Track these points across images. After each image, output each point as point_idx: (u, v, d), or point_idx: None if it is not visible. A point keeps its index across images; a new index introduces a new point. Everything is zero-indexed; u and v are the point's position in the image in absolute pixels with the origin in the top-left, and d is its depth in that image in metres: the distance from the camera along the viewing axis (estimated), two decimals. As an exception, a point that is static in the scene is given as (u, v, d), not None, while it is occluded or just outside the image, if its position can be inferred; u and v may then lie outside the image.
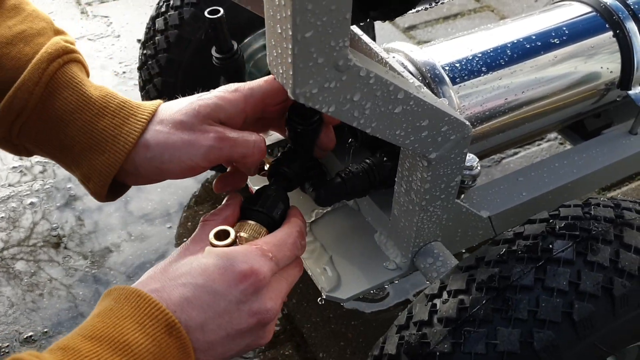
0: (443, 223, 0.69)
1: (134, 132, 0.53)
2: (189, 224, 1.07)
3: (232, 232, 0.51)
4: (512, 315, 0.46)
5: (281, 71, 0.46)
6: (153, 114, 0.55)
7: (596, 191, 1.14)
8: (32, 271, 0.99)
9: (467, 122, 0.59)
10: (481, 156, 0.88)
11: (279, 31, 0.44)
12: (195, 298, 0.45)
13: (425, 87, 0.61)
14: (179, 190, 1.13)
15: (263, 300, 0.48)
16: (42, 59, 0.53)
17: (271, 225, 0.57)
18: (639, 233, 0.50)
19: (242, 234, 0.54)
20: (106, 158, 0.54)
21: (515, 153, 1.22)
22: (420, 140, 0.58)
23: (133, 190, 1.03)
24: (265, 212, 0.57)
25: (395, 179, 0.68)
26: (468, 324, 0.47)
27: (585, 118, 0.90)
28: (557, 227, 0.50)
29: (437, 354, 0.47)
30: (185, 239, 0.60)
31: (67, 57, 0.55)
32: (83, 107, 0.54)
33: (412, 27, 1.56)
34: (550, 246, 0.48)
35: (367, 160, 0.73)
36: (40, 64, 0.53)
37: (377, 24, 1.56)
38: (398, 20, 1.58)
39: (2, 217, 1.08)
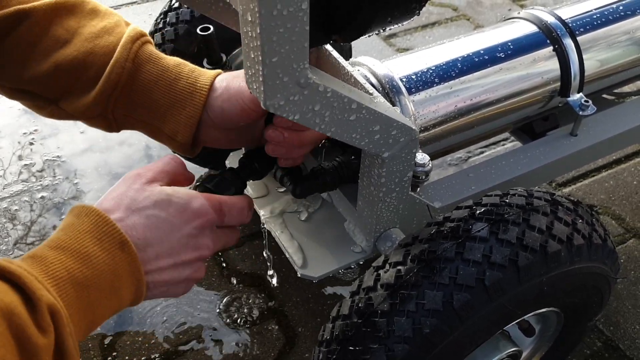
0: (400, 212, 0.81)
1: (205, 88, 0.69)
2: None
3: None
4: (436, 280, 0.58)
5: (255, 87, 0.58)
6: (217, 75, 0.71)
7: (552, 187, 1.26)
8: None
9: (414, 127, 0.71)
10: (439, 154, 1.00)
11: (252, 56, 0.56)
12: (153, 226, 0.56)
13: (380, 97, 0.72)
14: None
15: (206, 240, 0.60)
16: (127, 42, 0.68)
17: None
18: (543, 217, 0.62)
19: None
20: (188, 111, 0.69)
21: (482, 152, 1.34)
22: (374, 142, 0.69)
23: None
24: (215, 190, 0.69)
25: (360, 175, 0.80)
26: (403, 288, 0.59)
27: (533, 121, 1.02)
28: (477, 212, 0.62)
29: (379, 312, 0.59)
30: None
31: (143, 39, 0.70)
32: (163, 74, 0.69)
33: (392, 36, 1.68)
34: (470, 227, 0.60)
35: (337, 159, 0.84)
36: (127, 45, 0.67)
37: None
38: (379, 28, 1.70)
39: (16, 209, 1.20)
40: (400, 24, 0.66)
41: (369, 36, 0.71)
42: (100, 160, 1.33)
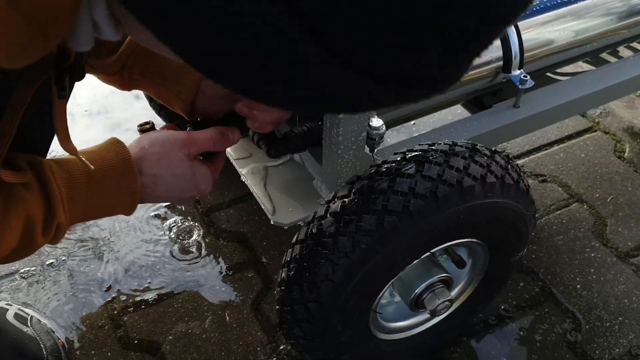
0: (357, 168, 0.95)
1: None
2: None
3: (151, 123, 0.82)
4: (372, 207, 0.72)
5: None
6: None
7: (508, 159, 1.40)
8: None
9: (364, 91, 0.85)
10: (401, 121, 1.14)
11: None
12: (169, 185, 0.74)
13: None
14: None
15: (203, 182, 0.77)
16: None
17: None
18: (462, 159, 0.76)
19: None
20: (191, 75, 0.83)
21: (447, 129, 1.48)
22: (330, 102, 0.84)
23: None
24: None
25: (323, 136, 0.94)
26: (346, 214, 0.73)
27: (483, 95, 1.16)
28: (408, 155, 0.76)
29: (327, 233, 0.74)
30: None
31: None
32: None
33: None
34: (400, 166, 0.74)
35: (307, 124, 0.99)
36: None
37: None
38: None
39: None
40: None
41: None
42: None
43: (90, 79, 1.59)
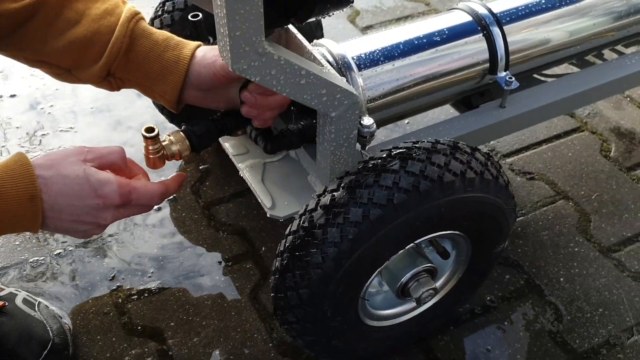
0: (349, 165, 1.00)
1: (187, 58, 0.89)
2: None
3: (157, 129, 0.85)
4: (359, 201, 0.78)
5: (224, 54, 0.78)
6: (198, 46, 0.91)
7: (497, 157, 1.45)
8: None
9: (355, 92, 0.90)
10: (392, 120, 1.19)
11: (222, 31, 0.76)
12: (65, 193, 0.75)
13: (331, 69, 0.92)
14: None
15: (106, 214, 0.78)
16: (124, 21, 0.88)
17: (194, 144, 0.90)
18: (443, 156, 0.81)
19: (170, 137, 0.88)
20: (173, 76, 0.89)
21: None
22: (322, 103, 0.88)
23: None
24: (191, 130, 0.90)
25: (317, 133, 0.99)
26: (334, 207, 0.79)
27: (471, 95, 1.22)
28: (393, 152, 0.82)
29: (317, 224, 0.79)
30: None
31: (137, 17, 0.90)
32: (154, 47, 0.90)
33: (369, 27, 1.88)
34: (385, 163, 0.80)
35: (302, 122, 1.04)
36: (124, 24, 0.87)
37: (341, 25, 1.87)
38: (358, 21, 1.90)
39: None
40: (339, 10, 0.86)
41: (319, 18, 0.91)
42: None
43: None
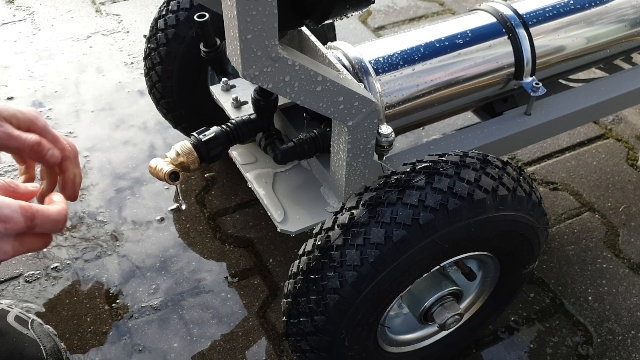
0: (366, 177, 0.93)
1: None
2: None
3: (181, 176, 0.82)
4: (380, 220, 0.71)
5: (234, 59, 0.71)
6: None
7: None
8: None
9: (374, 100, 0.83)
10: (410, 128, 1.12)
11: (232, 34, 0.69)
12: None
13: (348, 74, 0.85)
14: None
15: (5, 245, 0.65)
16: None
17: (202, 155, 0.84)
18: (473, 171, 0.74)
19: (177, 148, 0.83)
20: None
21: (456, 134, 1.46)
22: (339, 111, 0.82)
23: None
24: (199, 142, 0.85)
25: (331, 143, 0.92)
26: (354, 226, 0.72)
27: (494, 101, 1.14)
28: (418, 166, 0.74)
29: (334, 246, 0.72)
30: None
31: None
32: None
33: (381, 28, 1.81)
34: (409, 178, 0.73)
35: (314, 131, 0.97)
36: None
37: (352, 26, 1.80)
38: (369, 21, 1.83)
39: None
40: (358, 11, 0.79)
41: (336, 20, 0.84)
42: (104, 160, 1.38)
43: (93, 77, 1.60)
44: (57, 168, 0.84)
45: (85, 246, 1.19)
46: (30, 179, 0.85)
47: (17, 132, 0.80)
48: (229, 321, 1.07)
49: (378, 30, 1.79)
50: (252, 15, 0.66)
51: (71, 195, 0.87)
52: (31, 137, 0.80)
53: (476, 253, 0.81)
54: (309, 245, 0.76)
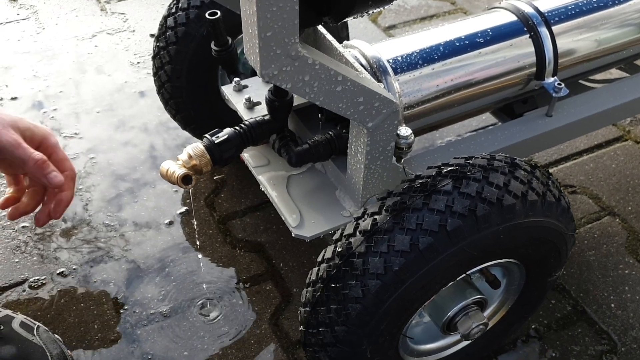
0: (384, 180, 0.90)
1: None
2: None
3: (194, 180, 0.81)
4: (405, 226, 0.67)
5: (252, 58, 0.68)
6: None
7: (535, 168, 1.34)
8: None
9: (395, 100, 0.80)
10: (426, 130, 1.09)
11: (250, 31, 0.65)
12: None
13: (366, 73, 0.81)
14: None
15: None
16: None
17: (214, 157, 0.82)
18: (501, 175, 0.71)
19: (190, 151, 0.81)
20: None
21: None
22: (359, 112, 0.78)
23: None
24: (212, 143, 0.83)
25: (348, 145, 0.89)
26: (377, 233, 0.68)
27: (513, 103, 1.11)
28: (444, 170, 0.71)
29: (356, 253, 0.69)
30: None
31: None
32: None
33: (391, 27, 1.77)
34: (436, 182, 0.69)
35: (330, 132, 0.94)
36: None
37: (362, 25, 1.77)
38: (380, 20, 1.79)
39: None
40: (380, 8, 0.76)
41: (354, 18, 0.81)
42: (104, 161, 1.35)
43: (93, 77, 1.57)
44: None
45: (91, 250, 1.15)
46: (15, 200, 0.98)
47: (26, 145, 0.87)
48: (241, 329, 1.04)
49: (389, 30, 1.76)
50: (272, 12, 0.63)
51: (58, 214, 0.98)
52: (38, 153, 0.88)
53: (503, 260, 0.78)
54: (328, 252, 0.73)
